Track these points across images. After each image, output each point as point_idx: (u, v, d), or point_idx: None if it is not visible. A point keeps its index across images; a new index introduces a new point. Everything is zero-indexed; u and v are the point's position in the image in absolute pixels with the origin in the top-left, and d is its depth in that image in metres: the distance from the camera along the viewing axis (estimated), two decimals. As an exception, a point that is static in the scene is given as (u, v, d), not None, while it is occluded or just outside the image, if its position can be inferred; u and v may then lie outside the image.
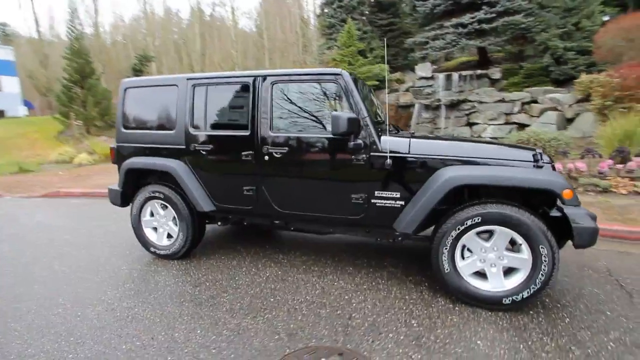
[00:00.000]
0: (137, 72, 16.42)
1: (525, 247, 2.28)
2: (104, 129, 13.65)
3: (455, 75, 15.45)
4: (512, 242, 2.37)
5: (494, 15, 15.56)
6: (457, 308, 2.43)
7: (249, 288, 2.80)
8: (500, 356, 1.93)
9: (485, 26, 15.65)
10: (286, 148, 2.86)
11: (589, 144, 7.37)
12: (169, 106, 3.30)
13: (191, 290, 2.79)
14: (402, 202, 2.63)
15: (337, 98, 2.79)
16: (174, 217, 3.35)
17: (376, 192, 2.69)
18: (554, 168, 2.54)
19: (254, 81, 2.96)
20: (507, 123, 12.28)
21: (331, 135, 2.70)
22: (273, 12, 27.57)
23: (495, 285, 2.39)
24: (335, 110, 2.83)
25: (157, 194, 3.32)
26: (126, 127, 3.49)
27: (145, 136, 3.40)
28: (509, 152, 2.58)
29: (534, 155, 2.45)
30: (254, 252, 3.57)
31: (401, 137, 2.76)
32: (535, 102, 11.95)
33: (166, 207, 3.38)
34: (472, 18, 15.64)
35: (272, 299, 2.62)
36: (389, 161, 2.59)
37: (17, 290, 2.86)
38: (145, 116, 3.45)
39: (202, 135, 3.14)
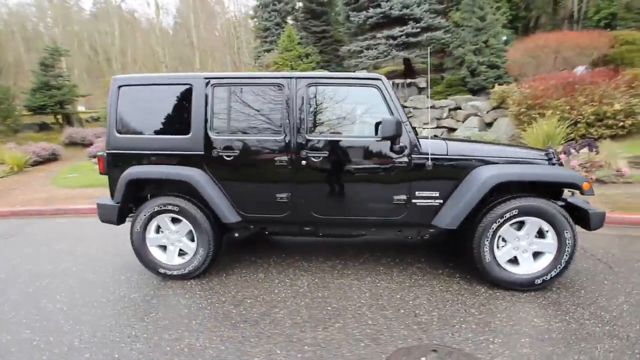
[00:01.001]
0: (48, 67, 13.82)
1: (551, 233, 2.66)
2: (8, 134, 11.19)
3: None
4: (539, 230, 2.74)
5: (419, 30, 17.23)
6: (498, 293, 2.71)
7: (297, 300, 2.67)
8: (558, 329, 2.22)
9: (412, 39, 17.22)
10: (325, 152, 2.82)
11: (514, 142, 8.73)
12: (181, 108, 2.95)
13: (235, 309, 2.54)
14: (441, 201, 2.82)
15: (375, 102, 2.85)
16: (190, 232, 3.00)
17: (417, 192, 2.83)
18: (561, 164, 3.01)
19: (287, 83, 2.84)
20: (438, 127, 13.69)
21: (375, 139, 2.77)
22: (195, 10, 26.02)
23: (528, 269, 2.72)
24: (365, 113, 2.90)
25: (169, 207, 2.93)
26: (121, 132, 3.00)
27: (149, 142, 2.98)
28: (527, 152, 2.98)
29: (547, 154, 2.88)
30: (273, 262, 3.39)
31: (434, 139, 2.95)
32: (459, 108, 13.60)
33: (178, 221, 3.01)
34: (401, 31, 17.08)
35: (329, 308, 2.55)
36: (429, 162, 2.76)
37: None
38: (147, 119, 3.01)
39: (225, 140, 2.89)
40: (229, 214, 2.90)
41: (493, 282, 2.77)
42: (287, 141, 2.84)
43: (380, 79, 2.81)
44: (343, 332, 2.25)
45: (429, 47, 18.55)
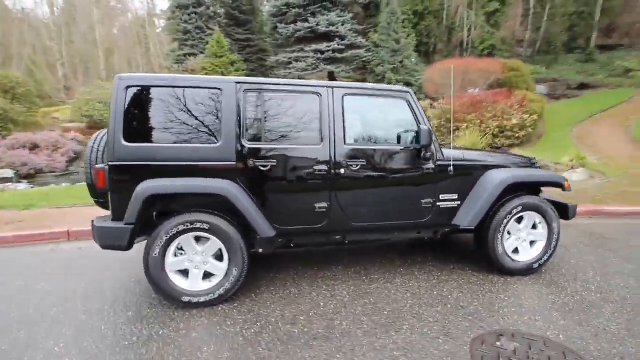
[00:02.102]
0: None
1: (543, 224, 3.23)
2: None
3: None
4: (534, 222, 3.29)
5: (344, 47, 18.43)
6: (508, 280, 3.14)
7: (349, 309, 2.65)
8: (570, 301, 2.73)
9: (338, 55, 18.32)
10: (363, 161, 2.89)
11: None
12: (208, 114, 2.67)
13: (295, 328, 2.39)
14: (459, 202, 3.17)
15: (403, 113, 3.05)
16: (219, 251, 2.70)
17: (441, 196, 3.12)
18: (540, 168, 3.67)
19: (326, 92, 2.84)
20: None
21: (406, 147, 2.97)
22: (98, 4, 22.82)
23: (527, 256, 3.24)
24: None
25: (197, 225, 2.58)
26: (130, 140, 2.55)
27: (167, 151, 2.60)
28: (522, 159, 3.53)
29: (530, 160, 3.49)
30: (295, 276, 3.26)
31: (448, 148, 3.29)
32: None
33: (203, 240, 2.68)
34: (328, 47, 18.02)
35: (385, 312, 2.60)
36: (451, 168, 3.08)
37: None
38: (164, 125, 2.62)
39: (261, 149, 2.71)
40: (267, 228, 2.71)
41: (502, 271, 3.20)
42: (326, 150, 2.82)
43: (409, 92, 3.04)
44: (416, 332, 2.34)
45: (352, 64, 19.85)
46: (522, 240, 3.25)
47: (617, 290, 2.92)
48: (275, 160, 2.73)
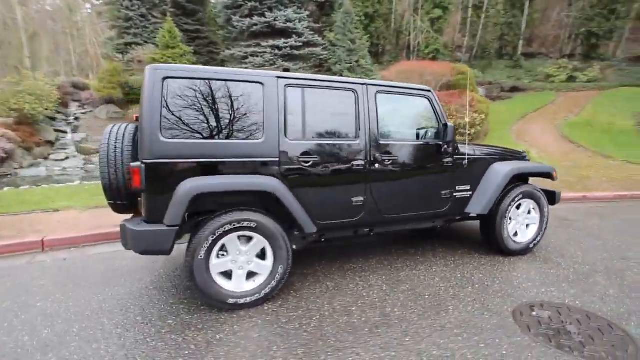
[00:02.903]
0: None
1: (536, 210, 3.69)
2: None
3: (278, 91, 17.08)
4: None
5: (301, 44, 18.45)
6: (510, 259, 3.54)
7: (393, 296, 2.77)
8: (569, 274, 3.18)
9: (295, 52, 18.28)
10: (395, 155, 3.03)
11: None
12: (250, 109, 2.58)
13: (354, 319, 2.45)
14: (471, 192, 3.48)
15: (426, 110, 3.25)
16: (262, 250, 2.63)
17: (457, 187, 3.39)
18: (529, 160, 4.14)
19: (361, 89, 2.91)
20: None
21: (433, 142, 3.18)
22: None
23: (524, 238, 3.68)
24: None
25: (244, 224, 2.49)
26: (170, 136, 2.36)
27: (210, 148, 2.46)
28: (514, 153, 3.94)
29: (521, 153, 3.94)
30: (323, 270, 3.30)
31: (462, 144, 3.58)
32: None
33: (247, 239, 2.59)
34: (286, 43, 17.89)
35: (427, 297, 2.77)
36: (465, 161, 3.37)
37: None
38: (204, 120, 2.47)
39: (303, 145, 2.71)
40: (310, 224, 2.72)
41: (505, 252, 3.59)
42: (363, 145, 2.90)
43: (431, 91, 3.24)
44: (462, 312, 2.55)
45: (310, 61, 19.99)
46: (521, 224, 3.68)
47: (598, 262, 3.47)
48: (317, 156, 2.74)
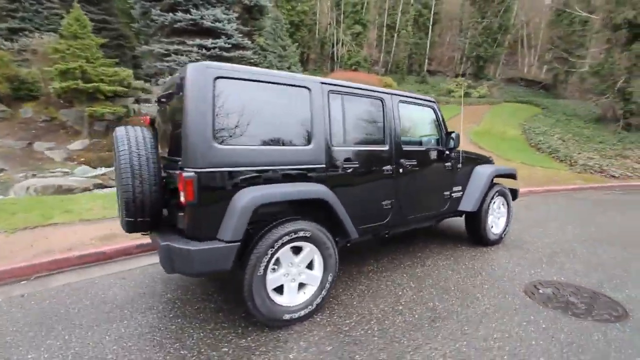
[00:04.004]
0: None
1: (505, 205, 4.36)
2: None
3: (208, 94, 16.20)
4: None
5: (230, 45, 17.81)
6: (491, 249, 4.11)
7: (431, 291, 2.97)
8: (537, 257, 3.86)
9: (225, 54, 17.57)
10: (414, 160, 3.26)
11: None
12: (299, 114, 2.49)
13: (411, 316, 2.55)
14: (462, 192, 3.94)
15: (431, 119, 3.57)
16: (311, 261, 2.54)
17: (453, 188, 3.80)
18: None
19: (389, 98, 3.06)
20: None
21: (441, 148, 3.52)
22: None
23: (498, 229, 4.31)
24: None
25: (300, 234, 2.38)
26: (224, 142, 2.13)
27: (264, 155, 2.30)
28: (486, 157, 4.55)
29: (489, 157, 4.61)
30: (345, 273, 3.32)
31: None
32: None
33: (298, 250, 2.48)
34: (214, 44, 17.06)
35: (453, 287, 3.05)
36: (460, 165, 3.81)
37: None
38: (257, 124, 2.29)
39: (345, 151, 2.72)
40: (354, 230, 2.73)
41: (486, 243, 4.15)
42: (390, 151, 3.05)
43: (435, 102, 3.57)
44: (490, 297, 2.89)
45: (240, 64, 19.53)
46: (496, 217, 4.30)
47: (552, 245, 4.28)
48: (357, 162, 2.78)
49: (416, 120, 3.51)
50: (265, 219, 2.35)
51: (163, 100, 2.74)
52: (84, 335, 2.35)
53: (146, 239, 3.97)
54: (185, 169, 2.05)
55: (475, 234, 4.12)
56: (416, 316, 2.59)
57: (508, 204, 4.37)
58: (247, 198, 2.13)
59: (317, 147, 2.55)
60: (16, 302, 2.82)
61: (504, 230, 4.33)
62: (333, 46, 24.63)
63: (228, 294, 2.92)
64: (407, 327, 2.44)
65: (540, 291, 3.00)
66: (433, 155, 3.52)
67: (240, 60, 18.69)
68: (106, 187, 7.49)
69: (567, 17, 20.07)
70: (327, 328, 2.43)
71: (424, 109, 3.53)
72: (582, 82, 20.19)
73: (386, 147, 3.03)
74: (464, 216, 4.16)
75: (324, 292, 2.57)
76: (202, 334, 2.35)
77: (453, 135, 3.51)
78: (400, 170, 3.13)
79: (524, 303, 2.80)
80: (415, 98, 3.44)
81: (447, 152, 3.60)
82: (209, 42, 16.79)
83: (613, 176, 10.03)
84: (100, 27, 18.68)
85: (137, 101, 14.91)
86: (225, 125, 2.15)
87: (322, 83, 2.65)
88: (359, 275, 3.32)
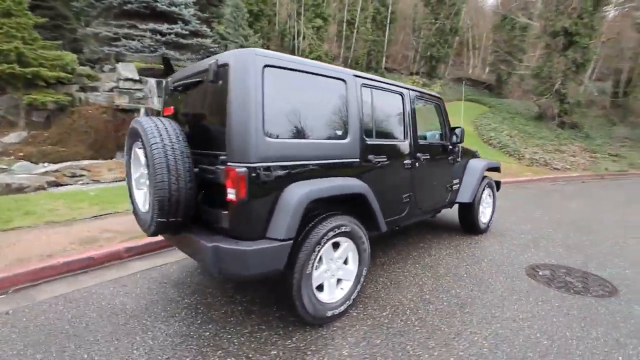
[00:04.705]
0: None
1: (490, 196, 4.69)
2: None
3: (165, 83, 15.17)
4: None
5: (187, 32, 16.79)
6: (480, 238, 4.42)
7: (447, 279, 3.10)
8: (525, 243, 4.23)
9: (182, 40, 16.52)
10: (428, 154, 3.36)
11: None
12: (336, 107, 2.43)
13: (441, 304, 2.65)
14: (459, 185, 4.16)
15: (435, 115, 3.70)
16: (348, 255, 2.52)
17: (454, 181, 4.00)
18: None
19: (407, 93, 3.12)
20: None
21: (447, 143, 3.68)
22: None
23: (486, 219, 4.63)
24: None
25: (342, 229, 2.34)
26: (273, 135, 2.01)
27: (307, 148, 2.22)
28: (473, 151, 4.82)
29: (475, 151, 4.91)
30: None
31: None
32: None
33: (336, 245, 2.44)
34: (170, 29, 15.96)
35: (465, 274, 3.22)
36: (459, 159, 4.02)
37: None
38: (301, 117, 2.19)
39: (376, 145, 2.73)
40: (384, 223, 2.76)
41: (477, 231, 4.44)
42: (410, 145, 3.11)
43: (441, 98, 3.70)
44: (501, 282, 3.10)
45: (199, 53, 18.55)
46: (484, 208, 4.61)
47: (532, 231, 4.71)
48: (385, 156, 2.80)
49: (427, 115, 3.62)
50: (306, 214, 2.28)
51: (180, 88, 2.51)
52: (105, 351, 2.09)
53: (136, 241, 3.65)
54: (236, 164, 1.90)
55: (469, 223, 4.39)
56: (445, 304, 2.70)
57: (493, 195, 4.71)
58: (301, 193, 2.04)
59: (353, 140, 2.51)
60: (2, 320, 2.42)
61: (490, 220, 4.67)
62: (294, 39, 24.31)
63: (250, 295, 2.79)
64: (442, 315, 2.53)
65: (540, 273, 3.30)
66: (441, 149, 3.66)
67: (199, 49, 17.73)
68: (61, 185, 6.68)
69: (510, 22, 21.93)
70: (368, 322, 2.44)
71: (433, 104, 3.65)
72: (522, 84, 22.30)
73: (407, 141, 3.09)
74: (457, 207, 4.41)
75: (359, 287, 2.57)
76: (242, 339, 2.22)
77: (457, 130, 3.69)
78: (417, 164, 3.21)
79: (531, 285, 3.05)
80: (426, 94, 3.54)
81: (451, 147, 3.77)
82: (164, 27, 15.63)
83: (556, 168, 11.28)
84: (33, 4, 16.46)
85: (83, 89, 13.43)
86: (273, 117, 2.03)
87: (355, 76, 2.61)
88: (375, 267, 3.37)
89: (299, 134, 2.19)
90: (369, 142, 2.65)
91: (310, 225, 2.21)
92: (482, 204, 4.50)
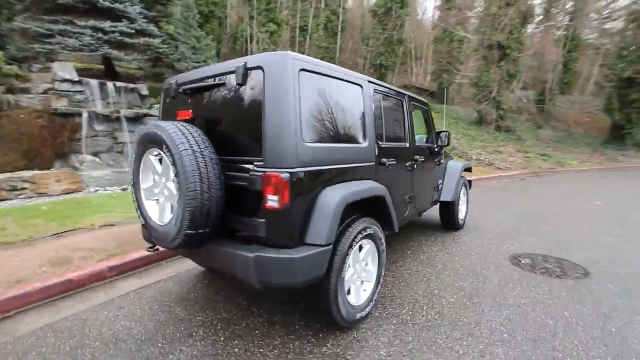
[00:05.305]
0: None
1: (465, 194, 5.07)
2: None
3: (110, 85, 14.02)
4: (460, 193, 5.07)
5: (133, 31, 15.70)
6: (461, 232, 4.76)
7: (454, 272, 3.28)
8: (502, 234, 4.65)
9: (127, 40, 15.40)
10: (423, 156, 3.55)
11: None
12: (356, 111, 2.48)
13: (462, 299, 2.80)
14: (442, 185, 4.44)
15: (422, 120, 3.92)
16: (368, 257, 2.56)
17: (439, 181, 4.26)
18: None
19: (406, 99, 3.27)
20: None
21: (433, 145, 3.92)
22: None
23: (462, 215, 4.98)
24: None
25: (368, 231, 2.37)
26: (308, 138, 1.99)
27: (336, 152, 2.23)
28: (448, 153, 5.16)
29: (449, 154, 5.27)
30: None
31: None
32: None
33: (361, 247, 2.47)
34: (114, 27, 14.81)
35: (471, 264, 3.45)
36: (442, 160, 4.30)
37: None
38: (329, 121, 2.19)
39: (387, 148, 2.81)
40: (397, 225, 2.85)
41: (456, 227, 4.77)
42: (409, 147, 3.26)
43: (428, 104, 3.93)
44: (495, 272, 3.37)
45: (146, 53, 17.51)
46: (461, 205, 4.97)
47: (508, 223, 5.17)
48: (394, 159, 2.90)
49: (418, 119, 3.82)
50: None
51: (190, 91, 2.37)
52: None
53: (118, 259, 3.34)
54: (278, 170, 1.84)
55: (449, 220, 4.70)
56: (454, 297, 2.86)
57: (467, 193, 5.10)
58: (339, 197, 2.04)
59: (370, 144, 2.57)
60: (-19, 361, 2.05)
61: (465, 216, 5.04)
62: (246, 42, 23.88)
63: (265, 305, 2.69)
64: (457, 308, 2.68)
65: (523, 262, 3.65)
66: (430, 151, 3.89)
67: (146, 49, 16.63)
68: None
69: (449, 35, 23.88)
70: (392, 320, 2.50)
71: (421, 109, 3.87)
72: (461, 91, 24.35)
73: (407, 144, 3.23)
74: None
75: (379, 287, 2.62)
76: (275, 351, 2.14)
77: (442, 134, 3.95)
78: (415, 165, 3.38)
79: (519, 273, 3.37)
80: (418, 99, 3.74)
81: (438, 149, 4.02)
82: (106, 24, 14.41)
83: (499, 168, 12.50)
84: (-63, -10, 14.23)
85: (11, 90, 11.80)
86: (308, 121, 2.01)
87: (369, 81, 2.68)
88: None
89: (329, 138, 2.19)
90: (382, 145, 2.73)
91: (340, 229, 2.22)
92: (459, 201, 4.85)
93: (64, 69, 12.80)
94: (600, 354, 2.14)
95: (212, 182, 1.91)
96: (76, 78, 12.83)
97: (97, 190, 6.84)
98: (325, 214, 1.99)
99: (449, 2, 23.68)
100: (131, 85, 14.89)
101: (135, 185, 2.23)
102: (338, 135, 2.27)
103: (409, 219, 3.55)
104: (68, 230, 4.25)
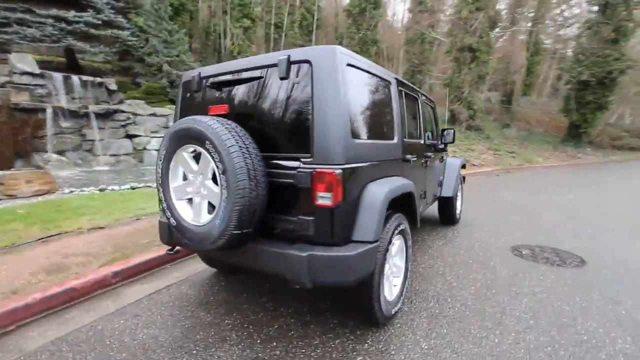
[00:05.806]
0: None
1: (461, 190, 5.25)
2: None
3: (75, 79, 13.16)
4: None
5: (100, 22, 14.80)
6: (459, 226, 4.92)
7: (459, 263, 3.38)
8: (496, 229, 4.87)
9: (93, 31, 14.49)
10: (432, 153, 3.62)
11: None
12: (387, 107, 2.48)
13: (478, 290, 2.89)
14: (442, 180, 4.57)
15: (432, 117, 4.01)
16: (397, 253, 2.58)
17: (440, 176, 4.38)
18: None
19: (420, 96, 3.31)
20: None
21: (438, 142, 4.02)
22: None
23: (458, 210, 5.15)
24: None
25: (401, 227, 2.38)
26: (354, 134, 1.97)
27: (375, 148, 2.22)
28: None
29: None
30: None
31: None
32: (182, 118, 13.83)
33: (393, 244, 2.48)
34: (78, 17, 13.88)
35: (472, 254, 3.57)
36: (445, 156, 4.42)
37: None
38: (369, 117, 2.19)
39: (410, 144, 2.85)
40: (418, 220, 2.89)
41: (452, 222, 4.93)
42: (423, 144, 3.32)
43: (434, 102, 4.02)
44: (501, 264, 3.51)
45: (114, 45, 16.63)
46: (458, 200, 5.14)
47: (500, 216, 5.41)
48: (414, 155, 2.93)
49: (427, 116, 3.89)
50: None
51: (218, 85, 2.25)
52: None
53: (122, 263, 3.14)
54: (329, 166, 1.80)
55: (448, 215, 4.84)
56: (473, 288, 2.95)
57: (462, 189, 5.29)
58: (384, 192, 2.03)
59: (398, 140, 2.59)
60: None
61: (460, 211, 5.23)
62: (220, 37, 23.21)
63: (293, 306, 2.63)
64: (479, 299, 2.77)
65: (524, 253, 3.84)
66: (436, 148, 3.98)
67: (114, 41, 15.72)
68: (-39, 203, 5.21)
69: (420, 37, 24.60)
70: (422, 314, 2.53)
71: (429, 107, 3.95)
72: (432, 91, 25.16)
73: (422, 141, 3.29)
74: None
75: (407, 282, 2.65)
76: (318, 351, 2.10)
77: (446, 132, 4.05)
78: (427, 162, 3.45)
79: (524, 263, 3.54)
80: (428, 97, 3.81)
81: (443, 146, 4.13)
82: (70, 14, 13.44)
83: (474, 165, 13.08)
84: None
85: (-41, 83, 10.68)
86: (354, 117, 1.98)
87: (395, 78, 2.69)
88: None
89: (369, 134, 2.17)
90: (406, 142, 2.76)
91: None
92: (459, 195, 5.02)
93: (23, 61, 11.84)
94: (620, 334, 2.29)
95: (259, 180, 1.83)
96: (37, 71, 11.90)
97: (72, 192, 6.35)
98: (372, 210, 1.97)
99: (420, 5, 24.37)
100: (98, 80, 14.06)
101: (164, 184, 2.09)
102: (375, 132, 2.26)
103: (421, 214, 3.62)
104: (54, 235, 3.93)
